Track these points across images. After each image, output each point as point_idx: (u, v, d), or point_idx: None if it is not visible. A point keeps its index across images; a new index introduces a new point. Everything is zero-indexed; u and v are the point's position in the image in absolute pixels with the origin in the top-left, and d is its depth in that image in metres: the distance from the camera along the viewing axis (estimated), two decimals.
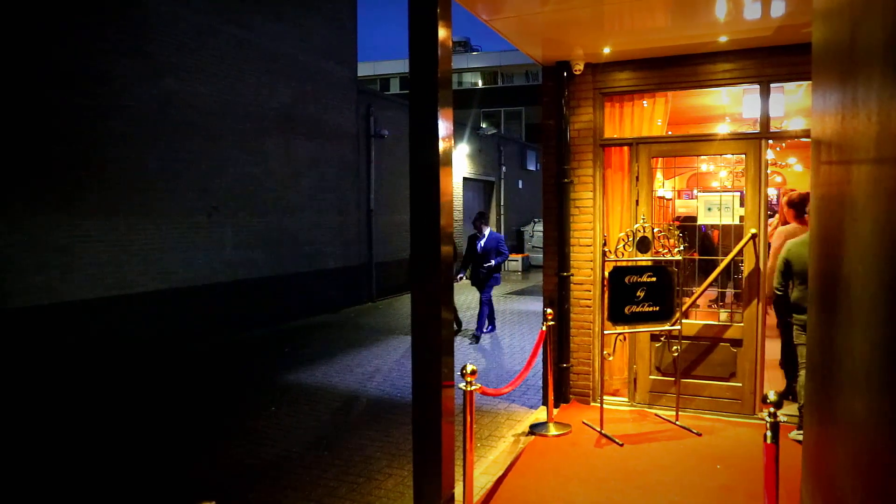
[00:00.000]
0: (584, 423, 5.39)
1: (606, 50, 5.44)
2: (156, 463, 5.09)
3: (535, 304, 13.26)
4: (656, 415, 5.59)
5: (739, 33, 5.00)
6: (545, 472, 4.47)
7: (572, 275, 5.89)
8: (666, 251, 5.31)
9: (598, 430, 5.16)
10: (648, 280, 5.11)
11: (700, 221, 5.87)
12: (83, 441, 5.58)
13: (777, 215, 7.08)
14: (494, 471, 4.50)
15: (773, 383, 6.04)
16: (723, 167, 8.47)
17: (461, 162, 18.82)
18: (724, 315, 5.88)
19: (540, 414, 5.80)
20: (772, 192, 9.46)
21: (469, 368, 3.68)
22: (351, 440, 5.49)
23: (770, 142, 5.78)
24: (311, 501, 4.33)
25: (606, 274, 5.14)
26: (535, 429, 5.30)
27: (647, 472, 4.42)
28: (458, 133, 18.58)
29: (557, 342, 5.80)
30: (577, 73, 5.78)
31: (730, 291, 6.08)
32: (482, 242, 9.70)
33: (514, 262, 21.32)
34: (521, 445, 4.99)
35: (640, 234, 5.20)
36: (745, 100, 6.18)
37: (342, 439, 5.51)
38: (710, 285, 5.80)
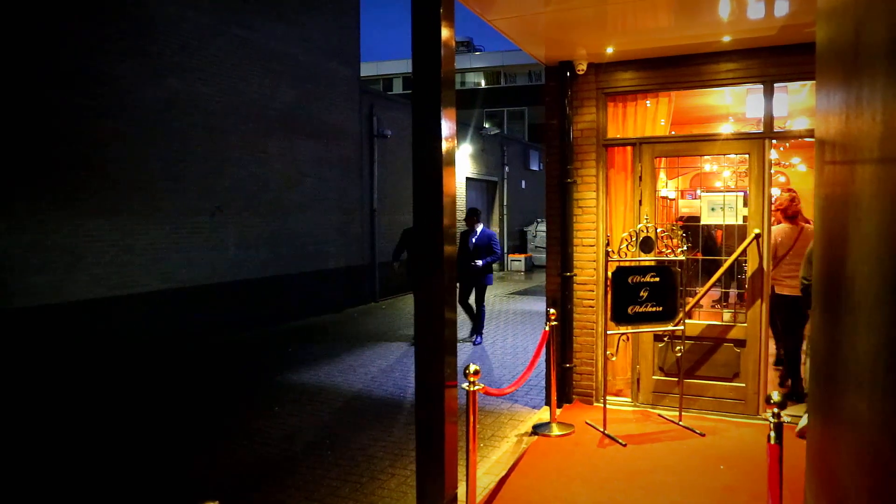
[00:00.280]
0: (587, 423, 5.39)
1: (609, 50, 5.44)
2: (158, 462, 5.09)
3: (538, 304, 13.25)
4: (659, 415, 5.58)
5: (743, 33, 4.99)
6: (548, 472, 4.47)
7: (575, 275, 5.89)
8: (669, 251, 5.31)
9: (601, 430, 5.16)
10: (652, 280, 5.11)
11: (703, 221, 5.86)
12: (86, 440, 5.60)
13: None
14: (497, 471, 4.50)
15: (777, 384, 6.03)
16: (726, 167, 8.44)
17: (464, 162, 18.82)
18: (727, 315, 5.87)
19: (543, 414, 5.79)
20: (775, 192, 9.43)
21: (472, 368, 3.68)
22: (354, 440, 5.49)
23: (774, 142, 5.77)
24: (315, 501, 4.34)
25: (609, 274, 5.14)
26: (538, 429, 5.30)
27: (651, 472, 4.41)
28: (461, 133, 18.58)
29: (560, 342, 5.80)
30: (581, 72, 5.78)
31: (733, 291, 6.07)
32: (474, 239, 9.39)
33: (517, 261, 21.32)
34: (524, 445, 4.99)
35: (643, 235, 5.19)
36: (748, 99, 6.17)
37: (345, 439, 5.52)
38: (714, 285, 5.79)
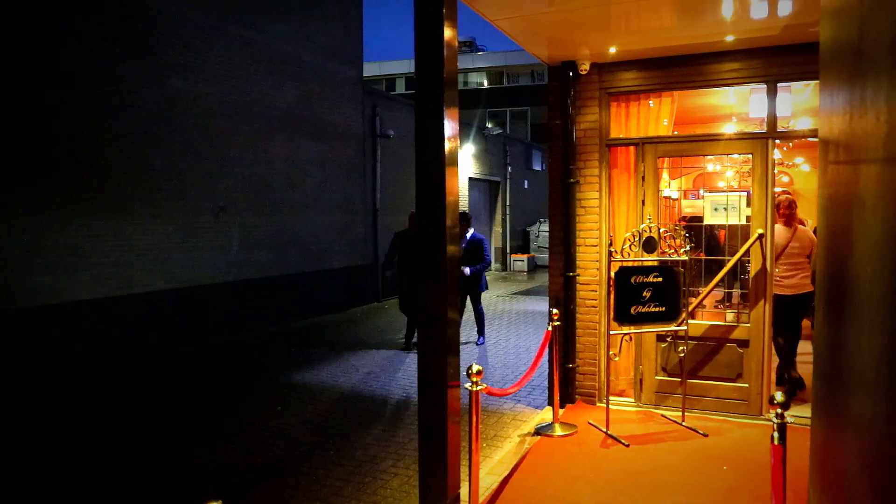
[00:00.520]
0: (589, 423, 5.39)
1: (612, 50, 5.43)
2: (161, 462, 5.10)
3: (541, 305, 13.24)
4: (662, 415, 5.57)
5: (746, 32, 4.98)
6: (551, 472, 4.46)
7: (578, 275, 5.88)
8: (672, 251, 5.30)
9: (604, 430, 5.15)
10: (654, 280, 5.10)
11: (706, 221, 5.86)
12: (89, 440, 5.61)
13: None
14: (500, 471, 4.50)
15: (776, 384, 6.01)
16: (729, 167, 8.43)
17: (467, 162, 18.82)
18: (730, 315, 5.86)
19: (545, 414, 5.79)
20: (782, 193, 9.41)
21: (475, 368, 3.68)
22: (357, 440, 5.49)
23: (777, 141, 5.77)
24: (318, 501, 4.34)
25: (612, 274, 5.13)
26: (540, 429, 5.30)
27: (653, 472, 4.41)
28: (463, 133, 18.58)
29: (563, 342, 5.79)
30: (583, 72, 5.77)
31: (736, 292, 6.06)
32: (463, 244, 9.03)
33: (520, 261, 21.31)
34: (526, 446, 4.99)
35: (646, 235, 5.19)
36: (751, 99, 6.16)
37: (348, 439, 5.52)
38: (717, 285, 5.78)
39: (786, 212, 5.95)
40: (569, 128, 5.79)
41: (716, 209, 5.72)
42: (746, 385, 5.45)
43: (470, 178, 19.16)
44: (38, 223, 7.70)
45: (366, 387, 7.21)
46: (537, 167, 24.26)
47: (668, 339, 5.62)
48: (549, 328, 5.38)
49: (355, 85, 13.61)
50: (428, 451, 3.64)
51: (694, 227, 6.17)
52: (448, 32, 3.51)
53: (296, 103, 11.90)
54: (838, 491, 1.84)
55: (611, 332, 5.25)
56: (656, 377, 5.74)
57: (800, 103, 6.85)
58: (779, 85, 5.34)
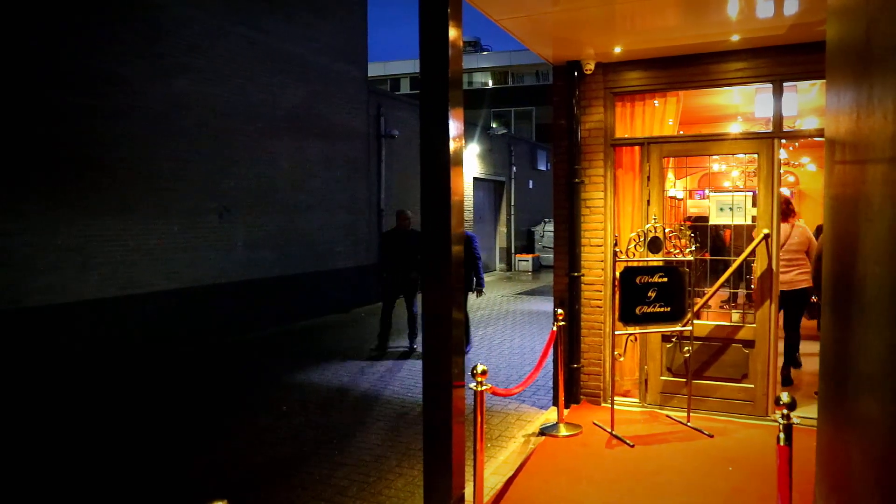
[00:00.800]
0: (594, 423, 5.38)
1: (617, 49, 5.42)
2: (166, 461, 5.12)
3: (546, 305, 13.23)
4: (667, 416, 5.56)
5: (752, 32, 4.96)
6: (555, 472, 4.46)
7: (583, 275, 5.87)
8: (677, 251, 5.29)
9: (609, 430, 5.14)
10: (660, 280, 5.09)
11: (712, 221, 5.85)
12: (95, 439, 5.63)
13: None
14: (505, 471, 4.50)
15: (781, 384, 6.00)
16: (735, 167, 8.40)
17: (471, 162, 18.82)
18: (736, 316, 5.85)
19: (550, 414, 5.78)
20: (785, 192, 9.38)
21: (480, 368, 3.68)
22: (361, 440, 5.50)
23: (783, 141, 5.74)
24: (322, 500, 4.35)
25: (617, 274, 5.12)
26: (545, 429, 5.29)
27: (658, 473, 4.40)
28: (468, 133, 18.58)
29: (568, 342, 5.79)
30: (588, 72, 5.76)
31: (742, 292, 6.05)
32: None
33: (525, 261, 21.30)
34: (531, 446, 4.98)
35: (651, 235, 5.18)
36: (757, 99, 6.13)
37: (352, 439, 5.53)
38: (722, 286, 5.77)
39: (783, 208, 5.96)
40: (574, 128, 5.78)
41: (721, 209, 5.70)
42: (752, 385, 5.43)
43: (475, 178, 19.15)
44: (44, 223, 7.73)
45: (370, 386, 7.21)
46: (542, 167, 24.24)
47: (674, 340, 5.61)
48: (554, 328, 5.37)
49: (360, 85, 13.62)
50: (432, 451, 3.64)
51: (699, 227, 6.16)
52: (453, 32, 3.51)
53: (300, 103, 11.92)
54: (845, 492, 1.83)
55: (616, 333, 5.24)
56: (661, 377, 5.73)
57: (806, 103, 6.83)
58: (785, 84, 5.32)
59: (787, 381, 6.09)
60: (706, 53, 5.44)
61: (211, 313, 9.94)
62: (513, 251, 21.82)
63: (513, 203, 21.92)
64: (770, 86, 5.36)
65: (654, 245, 5.17)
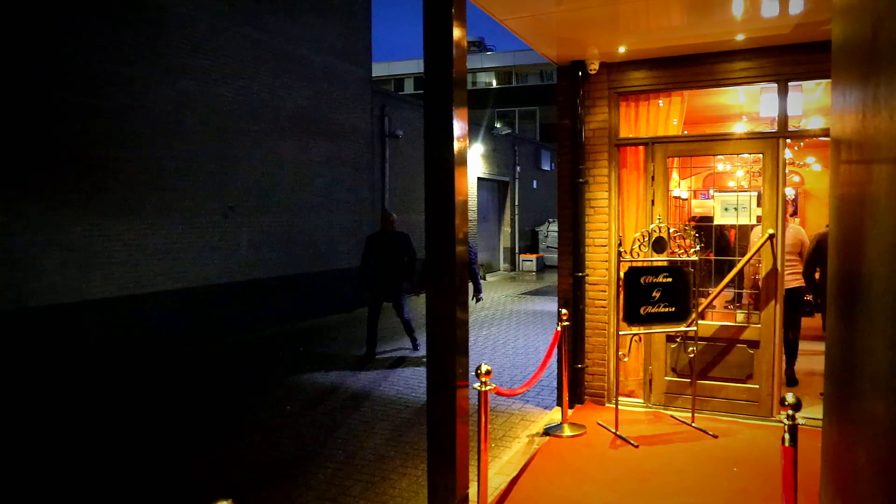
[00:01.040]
0: (598, 424, 5.37)
1: (622, 49, 5.41)
2: (171, 460, 5.13)
3: (550, 305, 13.22)
4: (672, 416, 5.55)
5: (756, 31, 4.95)
6: (559, 472, 4.45)
7: (587, 275, 5.87)
8: (682, 251, 5.28)
9: (613, 431, 5.14)
10: (664, 280, 5.08)
11: (716, 221, 5.83)
12: (99, 438, 5.64)
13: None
14: (509, 471, 4.50)
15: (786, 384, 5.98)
16: (739, 167, 8.38)
17: (475, 162, 18.81)
18: (740, 316, 5.83)
19: (554, 415, 5.78)
20: (790, 192, 9.36)
21: (484, 368, 3.68)
22: (365, 439, 5.50)
23: (788, 141, 5.73)
24: (326, 500, 4.35)
25: (622, 274, 5.12)
26: (549, 429, 5.29)
27: (662, 473, 4.39)
28: (472, 133, 18.57)
29: (572, 343, 5.78)
30: (592, 72, 5.75)
31: (746, 292, 6.03)
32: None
33: (529, 262, 21.29)
34: (535, 446, 4.98)
35: (655, 235, 5.17)
36: (762, 98, 6.12)
37: (356, 438, 5.53)
38: (727, 286, 5.75)
39: None
40: (578, 127, 5.77)
41: (726, 209, 5.69)
42: (757, 386, 5.42)
43: (479, 178, 19.14)
44: (49, 223, 7.76)
45: (374, 386, 7.21)
46: (546, 167, 24.21)
47: (678, 340, 5.60)
48: (558, 328, 5.37)
49: (364, 85, 13.63)
50: (436, 450, 3.64)
51: (704, 228, 6.15)
52: (457, 32, 3.50)
53: (304, 103, 11.94)
54: (851, 493, 1.82)
55: (620, 333, 5.24)
56: (666, 378, 5.72)
57: (811, 102, 6.80)
58: (790, 84, 5.31)
59: (791, 382, 6.07)
60: (711, 53, 5.42)
61: (214, 313, 9.97)
62: (517, 251, 21.81)
63: (517, 203, 21.91)
64: (775, 85, 5.35)
65: (659, 245, 5.16)
